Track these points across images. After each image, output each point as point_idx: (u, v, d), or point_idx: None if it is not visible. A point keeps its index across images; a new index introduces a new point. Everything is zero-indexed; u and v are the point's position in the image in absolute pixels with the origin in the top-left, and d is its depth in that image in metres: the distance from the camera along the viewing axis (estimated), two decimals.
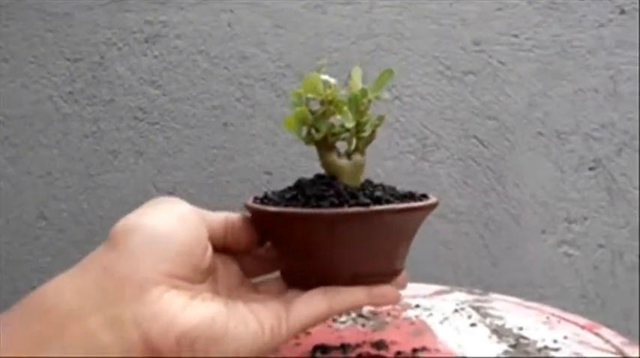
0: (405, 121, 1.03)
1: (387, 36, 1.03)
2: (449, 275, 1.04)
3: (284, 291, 0.41)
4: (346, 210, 0.37)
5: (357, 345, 0.52)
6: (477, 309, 0.64)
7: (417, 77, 1.03)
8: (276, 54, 1.02)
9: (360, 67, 0.44)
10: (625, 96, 1.04)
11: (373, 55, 1.02)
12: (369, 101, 0.42)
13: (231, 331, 0.35)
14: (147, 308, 0.33)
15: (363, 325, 0.58)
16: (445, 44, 1.03)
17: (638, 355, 0.51)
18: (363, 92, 0.42)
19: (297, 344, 0.51)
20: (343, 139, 0.43)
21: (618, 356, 0.51)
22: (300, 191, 0.41)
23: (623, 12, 1.03)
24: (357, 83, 0.43)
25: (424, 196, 0.43)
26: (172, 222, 0.37)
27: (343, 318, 0.59)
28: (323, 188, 0.40)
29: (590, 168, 1.04)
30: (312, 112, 0.42)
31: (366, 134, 0.43)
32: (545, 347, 0.52)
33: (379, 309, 0.62)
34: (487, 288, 1.00)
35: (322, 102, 0.42)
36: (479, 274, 1.04)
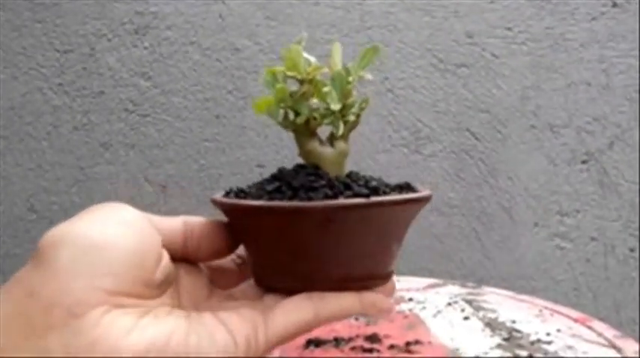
0: (397, 114, 1.03)
1: (380, 28, 1.02)
2: (442, 268, 1.04)
3: (262, 298, 0.36)
4: (344, 201, 0.33)
5: (351, 339, 0.52)
6: (470, 302, 0.64)
7: (409, 70, 1.03)
8: (268, 46, 1.01)
9: (339, 43, 0.40)
10: (617, 90, 1.04)
11: (366, 47, 1.02)
12: (354, 81, 0.38)
13: (193, 347, 0.30)
14: (81, 337, 0.27)
15: (357, 318, 0.58)
16: (438, 37, 1.03)
17: (629, 348, 0.51)
18: (347, 71, 0.38)
19: None
20: (325, 124, 0.38)
21: (610, 348, 0.51)
22: (285, 182, 0.36)
23: (615, 5, 1.03)
24: (337, 61, 0.38)
25: (411, 188, 0.39)
26: (114, 230, 0.31)
27: None
28: (310, 178, 0.35)
29: (583, 161, 1.04)
30: (291, 94, 0.37)
31: (351, 118, 0.38)
32: (538, 340, 0.53)
33: None
34: (480, 281, 1.00)
35: (302, 82, 0.37)
36: (472, 267, 1.04)
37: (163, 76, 1.01)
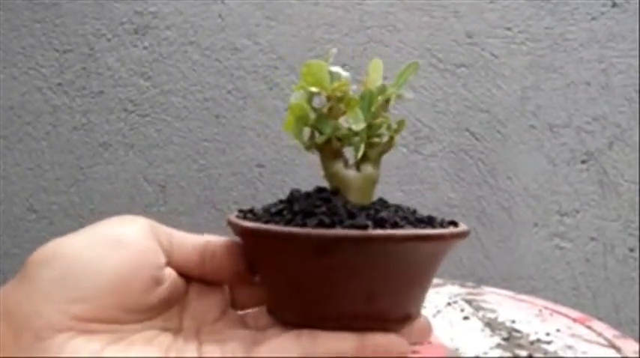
0: (397, 114, 1.03)
1: (380, 28, 1.02)
2: (442, 267, 1.04)
3: (267, 329, 0.34)
4: (334, 232, 0.29)
5: None
6: (469, 302, 0.64)
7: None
8: (268, 46, 1.01)
9: (379, 60, 0.36)
10: (617, 90, 1.04)
11: (365, 47, 1.02)
12: (388, 100, 0.35)
13: None
14: None
15: None
16: (438, 36, 1.03)
17: (629, 347, 0.51)
18: (381, 89, 0.35)
19: None
20: (352, 145, 0.35)
21: (610, 348, 0.51)
22: (289, 205, 0.33)
23: (615, 5, 1.03)
24: (375, 78, 0.35)
25: (453, 223, 0.35)
26: (104, 251, 0.30)
27: None
28: (317, 203, 0.32)
29: (582, 161, 1.04)
30: (316, 110, 0.34)
31: (379, 140, 0.35)
32: (538, 340, 0.52)
33: None
34: (479, 281, 1.00)
35: (329, 99, 0.34)
36: (471, 267, 1.04)
37: (163, 75, 1.00)
